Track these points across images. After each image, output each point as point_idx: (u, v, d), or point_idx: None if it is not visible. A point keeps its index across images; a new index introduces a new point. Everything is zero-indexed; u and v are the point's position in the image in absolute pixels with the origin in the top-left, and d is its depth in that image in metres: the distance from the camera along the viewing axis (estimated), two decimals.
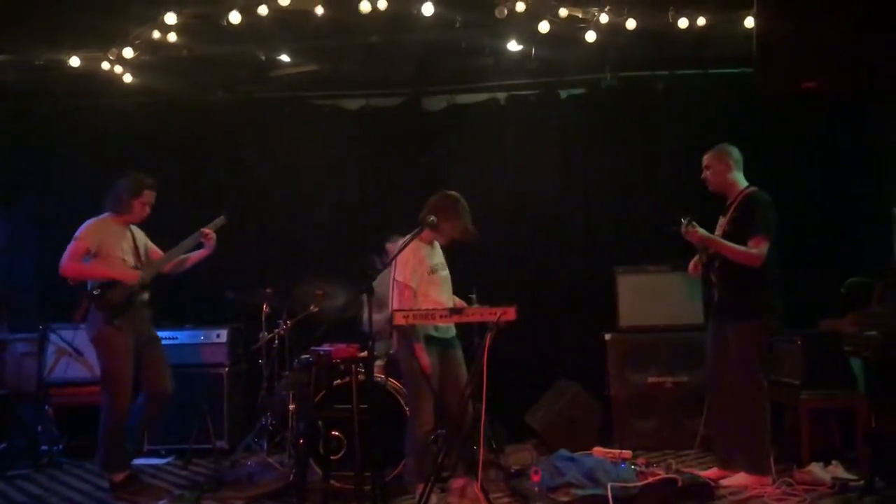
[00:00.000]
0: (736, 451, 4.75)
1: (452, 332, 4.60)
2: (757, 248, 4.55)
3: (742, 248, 4.58)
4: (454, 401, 4.36)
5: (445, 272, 4.63)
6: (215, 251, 5.16)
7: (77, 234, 4.86)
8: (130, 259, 4.94)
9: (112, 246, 4.87)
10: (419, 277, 4.45)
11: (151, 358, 4.96)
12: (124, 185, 4.96)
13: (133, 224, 5.07)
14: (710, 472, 4.79)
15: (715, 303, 4.83)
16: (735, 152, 4.81)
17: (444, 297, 4.55)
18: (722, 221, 4.83)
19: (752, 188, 4.76)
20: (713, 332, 4.86)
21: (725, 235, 4.72)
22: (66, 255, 4.80)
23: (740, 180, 4.80)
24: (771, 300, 4.65)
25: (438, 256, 4.64)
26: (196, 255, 5.19)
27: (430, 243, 4.60)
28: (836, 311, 5.13)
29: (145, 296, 5.00)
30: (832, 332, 5.00)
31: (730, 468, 4.75)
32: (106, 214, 4.97)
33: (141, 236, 5.13)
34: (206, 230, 5.07)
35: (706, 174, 4.85)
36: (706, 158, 4.85)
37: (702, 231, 4.68)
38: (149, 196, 4.99)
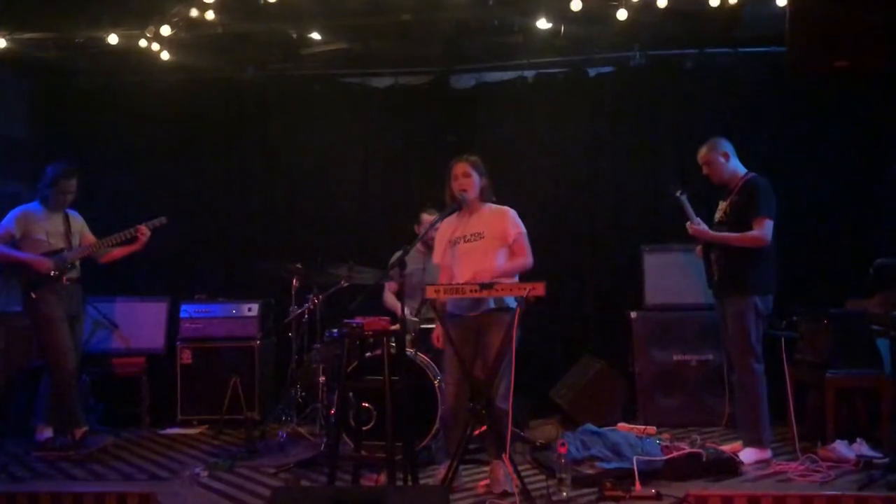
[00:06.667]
0: None
1: (480, 307, 4.33)
2: (761, 230, 4.68)
3: (747, 233, 4.71)
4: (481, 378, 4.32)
5: (470, 244, 4.39)
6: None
7: (3, 221, 5.25)
8: (58, 242, 5.30)
9: (36, 230, 5.25)
10: (441, 253, 4.53)
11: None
12: (46, 175, 5.31)
13: (67, 210, 5.42)
14: (733, 447, 4.86)
15: (715, 282, 4.93)
16: (726, 143, 4.94)
17: (461, 270, 4.38)
18: (723, 205, 4.97)
19: (752, 174, 4.89)
20: (718, 312, 5.00)
21: (727, 217, 4.87)
22: None
23: (739, 167, 4.94)
24: (767, 276, 4.78)
25: (470, 227, 4.43)
26: (124, 249, 5.45)
27: (468, 213, 4.47)
28: (863, 292, 5.15)
29: (72, 275, 5.33)
30: (859, 312, 5.02)
31: None
32: (35, 202, 5.35)
33: (78, 223, 5.49)
34: (143, 227, 5.36)
35: (707, 170, 4.98)
36: (702, 156, 4.99)
37: (705, 228, 4.88)
38: (64, 185, 5.31)
